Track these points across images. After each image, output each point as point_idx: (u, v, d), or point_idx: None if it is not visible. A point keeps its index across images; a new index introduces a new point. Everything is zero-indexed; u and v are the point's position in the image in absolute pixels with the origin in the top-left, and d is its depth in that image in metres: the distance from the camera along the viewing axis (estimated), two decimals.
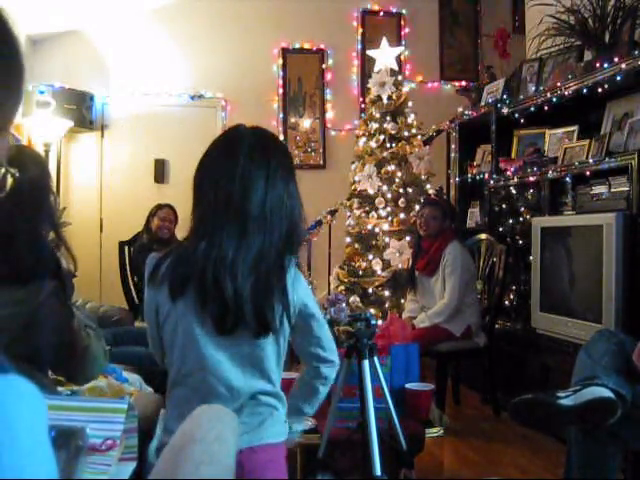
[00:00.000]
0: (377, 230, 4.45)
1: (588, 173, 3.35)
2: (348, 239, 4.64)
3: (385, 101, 4.53)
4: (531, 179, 3.82)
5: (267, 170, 1.41)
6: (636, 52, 3.14)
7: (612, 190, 3.19)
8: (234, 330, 1.37)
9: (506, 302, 4.03)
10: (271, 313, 1.38)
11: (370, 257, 4.42)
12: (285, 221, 1.41)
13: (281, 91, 5.90)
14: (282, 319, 1.41)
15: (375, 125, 4.55)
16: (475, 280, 3.94)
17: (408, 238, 4.35)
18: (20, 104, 0.65)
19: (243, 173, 1.39)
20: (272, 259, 1.39)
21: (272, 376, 1.44)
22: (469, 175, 4.77)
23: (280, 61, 5.90)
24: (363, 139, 4.62)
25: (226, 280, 1.34)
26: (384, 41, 4.65)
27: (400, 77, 4.70)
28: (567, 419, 2.01)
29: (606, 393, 1.95)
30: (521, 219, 3.96)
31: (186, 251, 1.39)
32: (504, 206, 4.15)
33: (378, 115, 4.55)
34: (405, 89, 4.64)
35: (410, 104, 4.62)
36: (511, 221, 4.06)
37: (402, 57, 5.69)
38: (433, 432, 2.31)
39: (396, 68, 4.64)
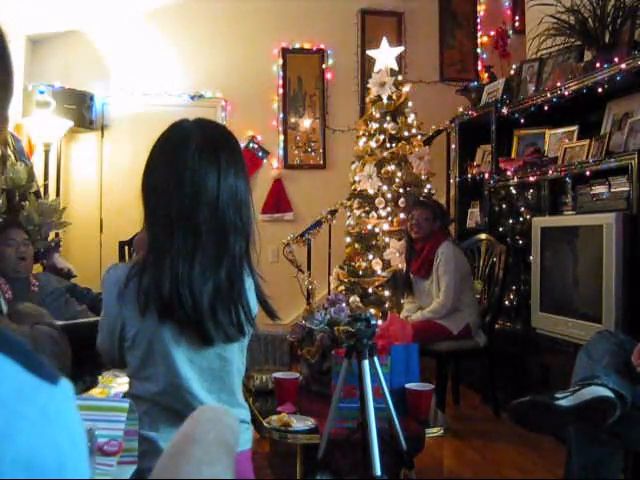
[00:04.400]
0: (377, 230, 4.44)
1: (588, 173, 3.35)
2: (348, 239, 4.64)
3: (385, 101, 4.52)
4: (531, 179, 3.82)
5: (218, 168, 1.32)
6: (636, 52, 3.14)
7: (612, 190, 3.19)
8: (214, 338, 1.33)
9: (506, 302, 4.03)
10: (236, 315, 1.35)
11: (370, 257, 4.42)
12: (239, 220, 1.34)
13: (281, 91, 5.90)
14: (246, 323, 1.38)
15: (375, 125, 4.55)
16: (471, 279, 3.93)
17: None
18: (12, 94, 0.66)
19: (193, 176, 1.30)
20: (230, 262, 1.34)
21: (237, 391, 1.44)
22: (469, 175, 4.78)
23: (280, 61, 5.89)
24: (363, 139, 4.62)
25: (185, 293, 1.28)
26: (384, 41, 4.65)
27: (400, 77, 4.69)
28: (566, 420, 2.01)
29: (605, 392, 1.95)
30: (521, 219, 3.96)
31: (149, 267, 1.32)
32: (504, 206, 4.15)
33: (378, 115, 4.55)
34: (405, 89, 4.64)
35: (410, 104, 4.62)
36: (511, 221, 4.06)
37: (402, 57, 5.68)
38: (433, 432, 2.31)
39: (396, 68, 4.63)
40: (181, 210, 1.30)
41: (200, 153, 1.32)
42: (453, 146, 5.01)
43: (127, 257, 4.48)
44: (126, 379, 1.79)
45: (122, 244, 4.55)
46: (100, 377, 1.92)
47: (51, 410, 0.47)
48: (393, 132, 4.49)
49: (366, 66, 5.77)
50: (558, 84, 3.69)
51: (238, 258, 1.35)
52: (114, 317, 1.36)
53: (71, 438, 0.48)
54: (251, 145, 5.75)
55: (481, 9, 6.22)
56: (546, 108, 3.88)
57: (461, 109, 4.86)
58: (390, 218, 4.43)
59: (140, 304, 1.30)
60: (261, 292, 1.46)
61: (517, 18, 5.94)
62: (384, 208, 4.42)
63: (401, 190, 4.45)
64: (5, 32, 0.65)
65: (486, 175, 4.41)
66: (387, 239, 4.38)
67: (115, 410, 1.02)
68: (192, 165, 1.31)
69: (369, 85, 4.68)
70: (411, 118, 4.58)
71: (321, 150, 5.94)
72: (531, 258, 3.64)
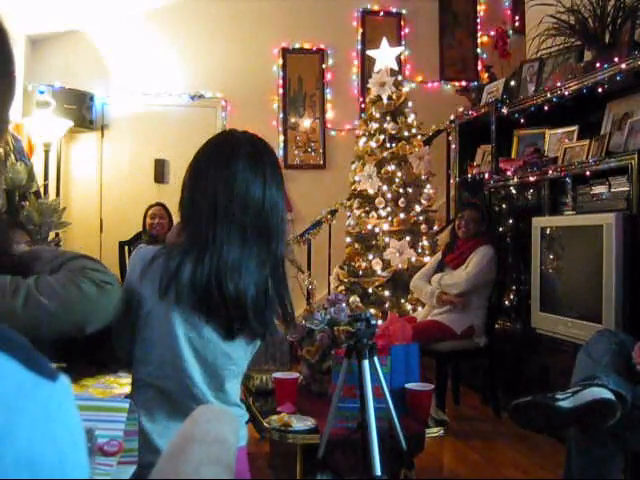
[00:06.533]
0: (377, 230, 4.45)
1: (588, 173, 3.35)
2: (348, 239, 4.64)
3: (385, 101, 4.53)
4: (531, 179, 3.81)
5: (264, 179, 1.39)
6: (636, 52, 3.14)
7: (612, 190, 3.19)
8: (238, 334, 1.38)
9: (506, 302, 4.03)
10: (272, 317, 1.41)
11: (370, 257, 4.42)
12: (280, 226, 1.41)
13: (281, 91, 5.90)
14: (271, 324, 1.42)
15: (375, 125, 4.55)
16: (491, 286, 3.93)
17: (408, 238, 4.35)
18: (14, 92, 0.66)
19: (241, 184, 1.37)
20: (272, 265, 1.40)
21: (231, 392, 1.45)
22: (469, 175, 4.77)
23: (280, 61, 5.90)
24: (363, 139, 4.62)
25: (229, 287, 1.33)
26: (384, 41, 4.65)
27: (400, 77, 4.69)
28: (566, 421, 2.01)
29: (606, 394, 1.95)
30: (521, 219, 3.96)
31: (183, 255, 1.35)
32: (504, 206, 4.15)
33: (378, 115, 4.55)
34: (405, 89, 4.64)
35: (410, 104, 4.62)
36: (511, 221, 4.06)
37: (402, 57, 5.68)
38: (433, 432, 2.31)
39: (396, 68, 4.64)
40: (227, 211, 1.36)
41: (249, 162, 1.39)
42: (453, 146, 5.01)
43: (127, 257, 4.48)
44: (128, 379, 1.80)
45: (122, 244, 4.55)
46: (101, 377, 1.92)
47: (51, 407, 0.47)
48: (393, 132, 4.49)
49: (366, 66, 5.77)
50: (558, 84, 3.69)
51: (279, 264, 1.42)
52: (132, 294, 1.39)
53: (71, 434, 0.49)
54: None
55: (481, 9, 6.22)
56: (546, 108, 3.88)
57: (461, 109, 4.86)
58: (390, 218, 4.43)
59: (161, 286, 1.34)
60: (288, 297, 1.50)
61: (517, 18, 5.95)
62: (384, 208, 4.42)
63: (401, 190, 4.45)
64: (7, 31, 0.65)
65: (486, 175, 4.41)
66: (387, 239, 4.38)
67: (115, 410, 1.02)
68: (242, 173, 1.38)
69: (369, 85, 4.69)
70: (411, 118, 4.58)
71: (321, 150, 5.94)
72: (531, 258, 3.64)
